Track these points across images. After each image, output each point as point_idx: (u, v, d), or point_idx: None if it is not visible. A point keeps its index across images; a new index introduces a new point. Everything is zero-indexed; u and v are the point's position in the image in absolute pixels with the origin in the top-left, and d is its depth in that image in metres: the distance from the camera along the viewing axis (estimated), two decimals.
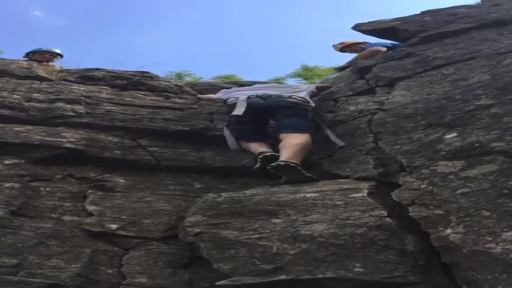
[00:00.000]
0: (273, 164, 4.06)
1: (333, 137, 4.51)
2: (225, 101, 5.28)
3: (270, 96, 4.93)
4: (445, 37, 5.58)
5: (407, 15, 6.48)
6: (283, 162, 4.03)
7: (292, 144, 4.24)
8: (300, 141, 4.30)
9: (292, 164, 4.00)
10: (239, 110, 4.75)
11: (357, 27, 6.70)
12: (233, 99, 5.08)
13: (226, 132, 4.88)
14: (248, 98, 4.92)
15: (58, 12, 27.93)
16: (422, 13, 6.45)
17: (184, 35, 27.86)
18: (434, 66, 5.02)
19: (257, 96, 4.95)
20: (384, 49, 5.98)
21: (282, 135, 4.45)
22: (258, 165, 4.29)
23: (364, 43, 6.68)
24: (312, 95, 5.24)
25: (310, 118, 4.71)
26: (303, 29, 27.15)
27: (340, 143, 4.42)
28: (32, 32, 24.68)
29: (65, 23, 27.64)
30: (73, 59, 7.96)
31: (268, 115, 4.88)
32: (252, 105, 4.82)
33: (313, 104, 4.94)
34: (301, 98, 4.89)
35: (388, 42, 6.24)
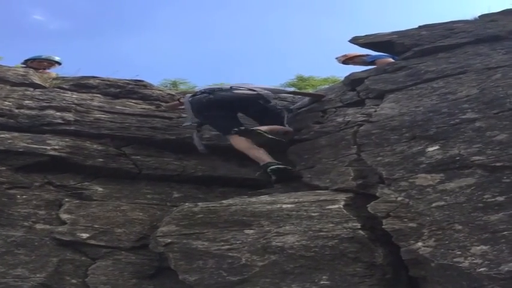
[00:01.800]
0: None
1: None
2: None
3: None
4: (439, 51, 5.52)
5: (404, 29, 6.45)
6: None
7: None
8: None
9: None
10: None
11: (354, 40, 6.66)
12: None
13: (195, 136, 4.99)
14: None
15: (58, 16, 28.24)
16: (420, 27, 6.41)
17: (184, 40, 28.04)
18: (425, 79, 4.95)
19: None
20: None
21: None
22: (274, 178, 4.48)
23: (366, 55, 6.63)
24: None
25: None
26: (301, 37, 27.20)
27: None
28: (31, 36, 24.94)
29: (64, 26, 27.95)
30: (71, 66, 7.98)
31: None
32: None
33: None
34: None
35: (385, 55, 6.21)
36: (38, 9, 28.96)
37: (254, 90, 5.07)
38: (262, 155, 4.57)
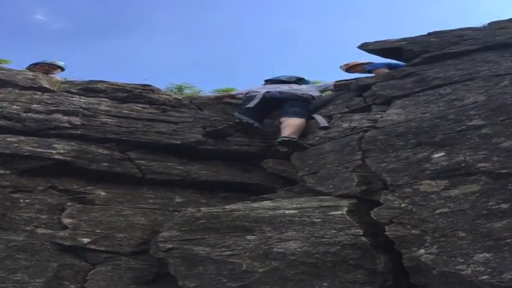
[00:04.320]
0: (278, 140, 4.90)
1: (319, 118, 5.33)
2: (246, 94, 6.07)
3: (284, 91, 5.89)
4: (447, 58, 5.50)
5: (412, 34, 6.43)
6: (286, 138, 4.88)
7: (291, 125, 5.14)
8: (297, 122, 5.19)
9: (294, 139, 4.86)
10: (252, 103, 5.71)
11: (363, 47, 6.64)
12: (254, 93, 5.93)
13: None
14: (267, 92, 5.88)
15: (61, 16, 28.16)
16: (429, 34, 6.39)
17: (188, 40, 27.96)
18: (433, 86, 4.93)
19: (276, 91, 5.91)
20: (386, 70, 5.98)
21: (283, 119, 5.30)
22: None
23: (368, 63, 6.61)
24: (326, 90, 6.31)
25: (309, 109, 5.67)
26: (309, 40, 27.08)
27: (324, 123, 5.14)
28: (33, 36, 25.00)
29: (67, 27, 27.87)
30: (74, 66, 8.00)
31: (276, 106, 5.72)
32: (269, 96, 5.80)
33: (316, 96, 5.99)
34: (309, 94, 5.88)
35: (391, 62, 6.18)
36: (40, 9, 29.03)
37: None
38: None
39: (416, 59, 5.79)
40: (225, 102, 6.32)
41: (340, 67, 7.02)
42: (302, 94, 5.84)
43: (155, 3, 28.01)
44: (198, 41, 26.38)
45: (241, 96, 6.25)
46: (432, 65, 5.48)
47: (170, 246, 3.39)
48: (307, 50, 25.45)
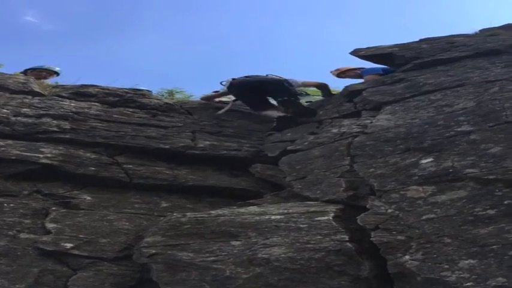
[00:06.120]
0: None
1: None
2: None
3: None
4: (438, 64, 5.49)
5: (404, 39, 6.47)
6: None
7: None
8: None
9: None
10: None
11: (355, 53, 6.64)
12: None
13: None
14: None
15: (51, 18, 28.18)
16: (421, 40, 6.40)
17: (180, 42, 27.98)
18: (423, 91, 4.92)
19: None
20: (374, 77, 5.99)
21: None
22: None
23: (359, 69, 6.60)
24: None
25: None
26: (301, 43, 27.10)
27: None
28: (23, 38, 24.92)
29: (57, 28, 27.89)
30: (65, 68, 7.97)
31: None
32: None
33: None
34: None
35: (380, 67, 6.17)
36: (30, 11, 29.04)
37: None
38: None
39: (407, 65, 5.78)
40: (215, 107, 6.29)
41: (331, 72, 6.99)
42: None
43: (145, 4, 28.03)
44: (188, 43, 26.44)
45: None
46: (423, 71, 5.48)
47: (154, 251, 3.34)
48: (297, 52, 25.49)
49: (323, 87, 6.31)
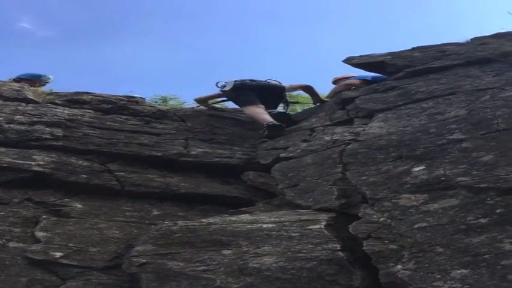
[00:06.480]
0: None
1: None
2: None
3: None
4: (430, 72, 5.54)
5: (396, 47, 6.53)
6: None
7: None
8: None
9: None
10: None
11: (348, 61, 6.69)
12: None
13: None
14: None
15: (45, 24, 28.15)
16: (413, 49, 6.47)
17: (173, 48, 28.01)
18: (415, 99, 4.95)
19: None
20: (357, 81, 6.04)
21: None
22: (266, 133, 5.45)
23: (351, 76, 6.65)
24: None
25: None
26: (296, 49, 27.17)
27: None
28: (18, 44, 24.87)
29: (52, 34, 27.85)
30: (59, 74, 8.02)
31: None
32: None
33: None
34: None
35: (370, 75, 6.21)
36: (25, 17, 28.98)
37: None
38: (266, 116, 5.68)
39: (399, 73, 5.83)
40: (208, 114, 6.28)
41: (333, 82, 7.04)
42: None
43: (139, 10, 28.08)
44: (182, 49, 26.45)
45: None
46: (415, 79, 5.53)
47: (144, 260, 3.29)
48: (288, 58, 25.57)
49: (309, 89, 6.50)
